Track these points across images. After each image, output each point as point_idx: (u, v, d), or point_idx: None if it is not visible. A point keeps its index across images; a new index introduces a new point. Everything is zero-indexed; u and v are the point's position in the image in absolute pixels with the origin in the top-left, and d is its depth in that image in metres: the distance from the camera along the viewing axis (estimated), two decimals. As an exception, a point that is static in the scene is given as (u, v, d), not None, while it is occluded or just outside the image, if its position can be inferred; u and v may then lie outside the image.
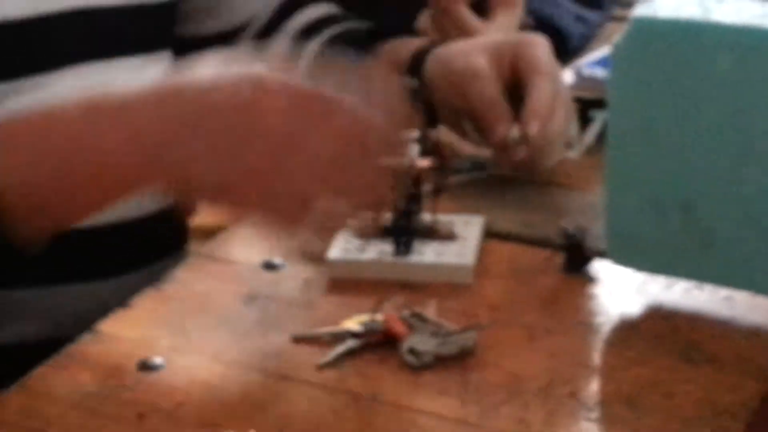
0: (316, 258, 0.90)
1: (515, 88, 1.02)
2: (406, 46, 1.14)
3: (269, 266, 0.89)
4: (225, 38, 1.20)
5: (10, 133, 0.81)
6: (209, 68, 0.82)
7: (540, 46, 1.05)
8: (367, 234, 0.93)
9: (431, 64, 1.09)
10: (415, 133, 0.92)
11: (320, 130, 0.80)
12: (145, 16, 1.05)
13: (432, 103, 1.08)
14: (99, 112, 0.81)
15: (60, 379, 0.77)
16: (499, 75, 1.03)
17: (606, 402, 0.74)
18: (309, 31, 1.21)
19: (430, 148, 0.94)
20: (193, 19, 1.17)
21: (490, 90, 1.02)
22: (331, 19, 1.23)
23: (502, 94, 1.02)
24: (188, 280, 0.87)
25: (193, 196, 0.84)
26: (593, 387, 0.75)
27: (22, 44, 0.96)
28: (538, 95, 1.00)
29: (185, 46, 1.15)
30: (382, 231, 0.93)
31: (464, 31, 1.19)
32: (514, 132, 0.99)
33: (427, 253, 0.91)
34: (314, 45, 1.19)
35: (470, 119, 1.03)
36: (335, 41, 1.19)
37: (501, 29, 1.20)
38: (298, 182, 0.79)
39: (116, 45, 1.03)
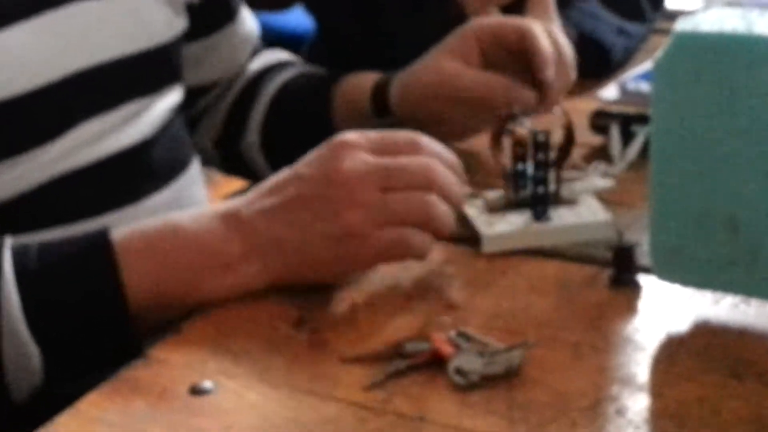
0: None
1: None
2: (359, 85, 1.17)
3: (317, 288, 0.90)
4: (200, 92, 1.23)
5: (137, 249, 0.88)
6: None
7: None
8: (496, 207, 0.98)
9: (398, 100, 1.13)
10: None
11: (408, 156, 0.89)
12: (149, 60, 1.06)
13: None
14: (218, 225, 0.88)
15: (111, 404, 0.78)
16: (472, 59, 1.08)
17: (653, 419, 0.74)
18: (260, 78, 1.24)
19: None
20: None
21: (476, 77, 1.07)
22: (279, 66, 1.26)
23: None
24: (236, 304, 0.88)
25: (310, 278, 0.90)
26: (641, 404, 0.75)
27: (27, 118, 0.96)
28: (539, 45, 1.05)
29: None
30: (512, 203, 0.98)
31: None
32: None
33: (565, 217, 0.97)
34: (269, 92, 1.21)
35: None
36: (285, 88, 1.22)
37: None
38: (397, 212, 0.87)
39: (120, 95, 1.04)
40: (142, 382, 0.80)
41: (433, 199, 0.88)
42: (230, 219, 0.88)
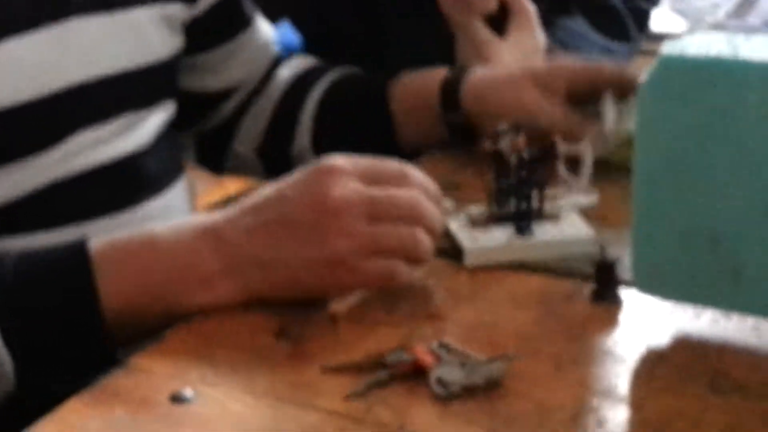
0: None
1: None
2: (426, 78, 1.17)
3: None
4: (221, 96, 1.24)
5: (114, 260, 0.87)
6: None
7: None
8: (480, 222, 0.99)
9: (470, 97, 1.13)
10: (525, 122, 1.01)
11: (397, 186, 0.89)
12: (145, 76, 1.08)
13: (470, 127, 1.12)
14: (198, 240, 0.88)
15: (92, 412, 0.77)
16: (555, 97, 1.11)
17: (633, 431, 0.74)
18: (301, 82, 1.25)
19: (537, 137, 1.01)
20: (193, 74, 1.21)
21: (554, 112, 1.10)
22: (319, 69, 1.27)
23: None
24: (218, 314, 0.88)
25: (290, 296, 0.89)
26: (621, 417, 0.76)
27: (27, 126, 0.97)
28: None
29: (185, 99, 1.18)
30: (495, 217, 0.99)
31: (478, 46, 1.22)
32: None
33: (548, 232, 0.98)
34: (316, 94, 1.22)
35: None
36: (334, 88, 1.22)
37: (515, 47, 1.22)
38: (384, 244, 0.87)
39: (116, 107, 1.05)
40: (123, 390, 0.79)
41: (419, 233, 0.88)
42: (209, 234, 0.88)
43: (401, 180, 0.89)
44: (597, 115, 1.10)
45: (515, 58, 1.17)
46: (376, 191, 0.88)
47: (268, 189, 0.90)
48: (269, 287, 0.88)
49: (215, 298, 0.88)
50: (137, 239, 0.89)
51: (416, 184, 0.90)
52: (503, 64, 1.20)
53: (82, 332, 0.86)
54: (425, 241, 0.88)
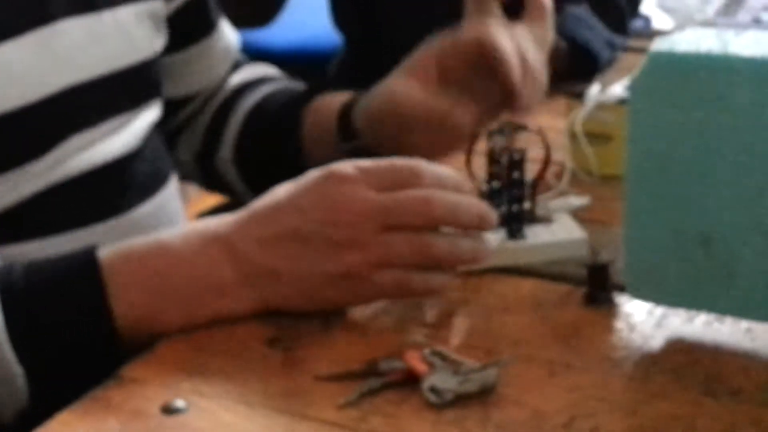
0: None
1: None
2: (328, 108, 1.16)
3: (291, 306, 0.90)
4: (180, 103, 1.23)
5: (128, 271, 0.86)
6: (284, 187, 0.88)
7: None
8: None
9: (359, 119, 1.12)
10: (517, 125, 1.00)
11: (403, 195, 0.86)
12: (133, 76, 1.07)
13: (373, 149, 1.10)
14: (210, 249, 0.87)
15: (83, 423, 0.77)
16: (429, 80, 1.06)
17: (628, 437, 0.74)
18: (238, 93, 1.25)
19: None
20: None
21: (421, 101, 1.06)
22: (257, 81, 1.26)
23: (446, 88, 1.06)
24: (210, 324, 0.87)
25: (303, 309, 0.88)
26: (616, 422, 0.75)
27: (19, 133, 0.96)
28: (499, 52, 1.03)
29: None
30: None
31: (481, 21, 1.21)
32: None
33: (540, 235, 0.97)
34: (246, 107, 1.21)
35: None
36: (261, 104, 1.22)
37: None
38: (397, 255, 0.85)
39: (106, 110, 1.04)
40: (115, 402, 0.79)
41: (432, 238, 0.86)
42: (222, 244, 0.86)
43: (414, 180, 0.86)
44: None
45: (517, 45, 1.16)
46: (386, 198, 0.85)
47: (279, 195, 0.88)
48: (285, 299, 0.87)
49: (231, 309, 0.87)
50: (146, 247, 0.87)
51: (430, 181, 0.87)
52: (500, 45, 1.19)
53: (95, 345, 0.85)
54: (438, 245, 0.86)
